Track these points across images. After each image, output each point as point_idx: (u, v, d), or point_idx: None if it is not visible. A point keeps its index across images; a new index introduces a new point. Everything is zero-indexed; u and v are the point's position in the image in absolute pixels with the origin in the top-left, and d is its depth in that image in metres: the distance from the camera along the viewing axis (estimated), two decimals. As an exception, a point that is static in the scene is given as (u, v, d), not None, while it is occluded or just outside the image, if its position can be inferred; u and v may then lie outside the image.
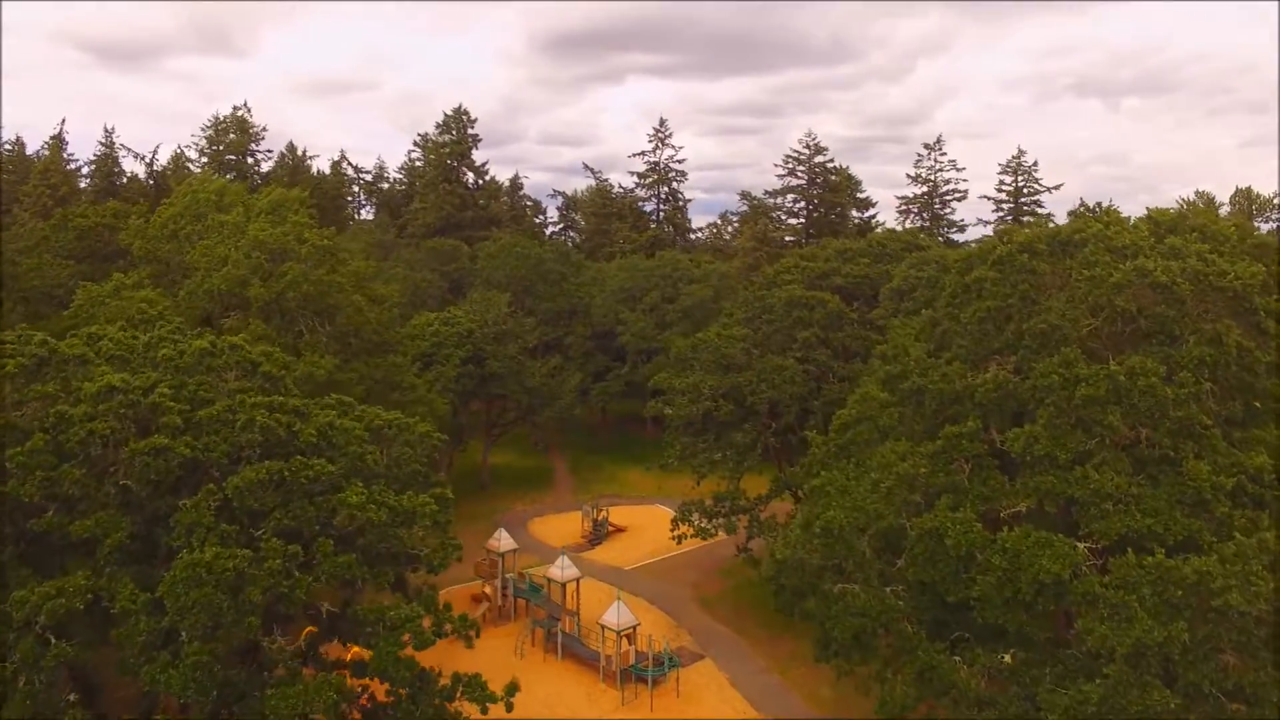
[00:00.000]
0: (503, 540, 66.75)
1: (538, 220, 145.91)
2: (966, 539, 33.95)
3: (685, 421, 65.38)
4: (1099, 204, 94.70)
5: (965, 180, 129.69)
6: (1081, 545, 33.27)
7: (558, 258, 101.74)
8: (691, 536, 64.62)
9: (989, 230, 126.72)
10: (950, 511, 34.73)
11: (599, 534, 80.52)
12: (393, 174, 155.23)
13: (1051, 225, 41.21)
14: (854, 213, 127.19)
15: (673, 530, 65.52)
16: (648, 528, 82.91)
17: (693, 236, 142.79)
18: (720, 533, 64.34)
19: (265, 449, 30.75)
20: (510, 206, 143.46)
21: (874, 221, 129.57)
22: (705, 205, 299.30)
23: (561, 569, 62.77)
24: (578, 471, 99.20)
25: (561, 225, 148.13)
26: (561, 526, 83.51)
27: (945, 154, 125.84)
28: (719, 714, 55.76)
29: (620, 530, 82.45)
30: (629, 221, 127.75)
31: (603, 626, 57.99)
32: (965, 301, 40.51)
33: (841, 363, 62.61)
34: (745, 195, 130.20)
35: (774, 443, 67.36)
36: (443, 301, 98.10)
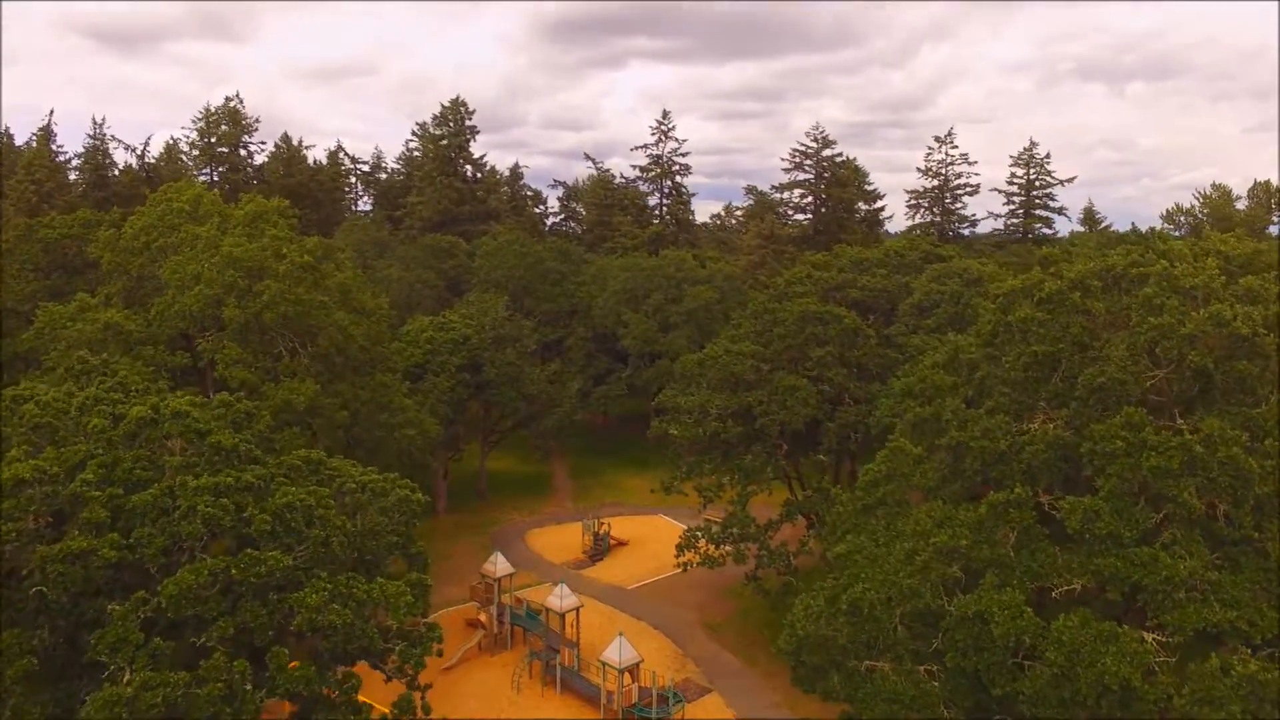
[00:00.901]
0: (498, 565, 62.03)
1: (538, 210, 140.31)
2: (1015, 626, 29.21)
3: (691, 442, 60.53)
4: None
5: (976, 174, 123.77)
6: (1150, 637, 28.48)
7: (557, 256, 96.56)
8: (698, 565, 59.90)
9: (999, 224, 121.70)
10: (996, 592, 29.98)
11: (600, 549, 75.84)
12: (391, 164, 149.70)
13: (1103, 256, 36.12)
14: (861, 205, 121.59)
15: (678, 557, 60.79)
16: (650, 541, 78.20)
17: (696, 223, 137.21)
18: (729, 561, 59.60)
19: (212, 538, 25.93)
20: (510, 197, 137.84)
21: (882, 214, 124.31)
22: (709, 190, 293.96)
23: (560, 598, 58.16)
24: (578, 477, 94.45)
25: (562, 216, 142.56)
26: (561, 539, 78.80)
27: (956, 146, 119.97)
28: (726, 757, 51.53)
29: (622, 544, 77.80)
30: (631, 215, 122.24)
31: (604, 664, 53.50)
32: (1007, 342, 35.53)
33: (859, 383, 57.65)
34: (751, 190, 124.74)
35: (785, 465, 62.55)
36: (439, 302, 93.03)
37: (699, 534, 60.04)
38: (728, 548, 60.30)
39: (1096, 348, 33.19)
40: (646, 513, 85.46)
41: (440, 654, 32.27)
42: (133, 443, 28.22)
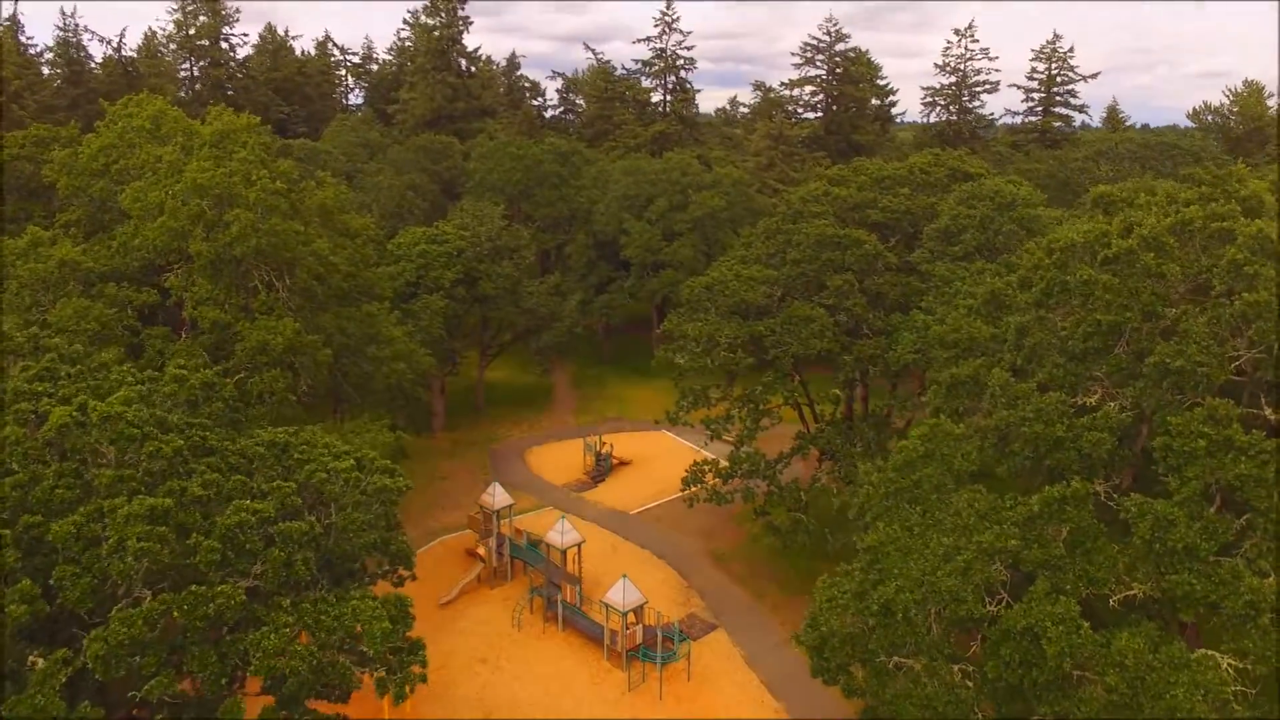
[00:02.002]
0: (496, 496, 58.36)
1: (535, 103, 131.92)
2: (1070, 643, 25.31)
3: (698, 371, 55.92)
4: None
5: (997, 70, 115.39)
6: (1226, 662, 24.57)
7: (556, 158, 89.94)
8: (705, 501, 56.25)
9: (1018, 119, 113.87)
10: (1048, 601, 25.97)
11: (602, 470, 72.21)
12: (382, 55, 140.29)
13: (1176, 210, 30.65)
14: (874, 100, 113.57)
15: (684, 490, 57.07)
16: (653, 460, 74.53)
17: (701, 119, 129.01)
18: (737, 499, 55.94)
19: (150, 575, 21.56)
20: (507, 89, 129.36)
21: (894, 110, 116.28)
22: (713, 77, 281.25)
23: (561, 534, 54.73)
24: (579, 387, 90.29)
25: (561, 109, 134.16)
26: (562, 459, 75.12)
27: (976, 40, 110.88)
28: (733, 701, 48.69)
29: (625, 464, 74.15)
30: (633, 111, 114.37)
31: (607, 606, 50.39)
32: (1062, 303, 30.59)
33: (878, 313, 52.71)
34: (759, 86, 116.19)
35: (798, 397, 58.23)
36: (433, 209, 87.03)
37: (706, 468, 56.24)
38: (737, 482, 56.64)
39: (1170, 318, 28.30)
40: (649, 429, 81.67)
41: (424, 679, 28.35)
42: (55, 452, 23.64)
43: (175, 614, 20.69)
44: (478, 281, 74.90)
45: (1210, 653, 24.60)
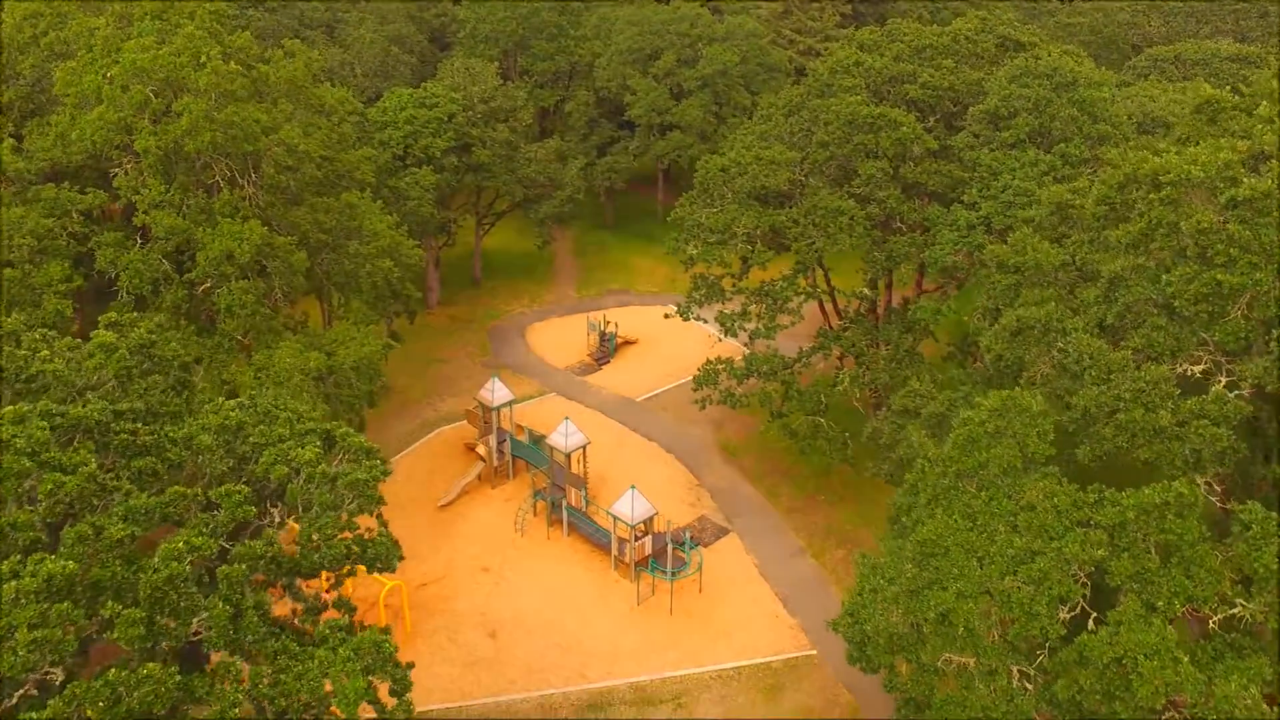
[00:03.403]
0: (495, 392, 53.67)
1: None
2: (1166, 678, 20.99)
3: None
4: None
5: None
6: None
7: (554, 6, 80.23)
8: (718, 403, 51.45)
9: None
10: (1140, 626, 21.47)
11: (606, 351, 67.27)
12: None
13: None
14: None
15: (695, 390, 52.22)
16: (660, 338, 69.20)
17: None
18: (754, 400, 51.11)
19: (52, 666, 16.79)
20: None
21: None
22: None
23: (565, 436, 50.39)
24: (581, 256, 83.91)
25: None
26: (564, 338, 69.94)
27: None
28: (746, 617, 45.71)
29: (630, 343, 69.11)
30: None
31: (615, 518, 46.67)
32: (1161, 247, 24.61)
33: (915, 204, 46.21)
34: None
35: (822, 292, 52.43)
36: (422, 64, 78.12)
37: (720, 368, 51.14)
38: (753, 381, 51.72)
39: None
40: (656, 302, 76.00)
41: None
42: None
43: (88, 711, 16.08)
44: (471, 148, 67.57)
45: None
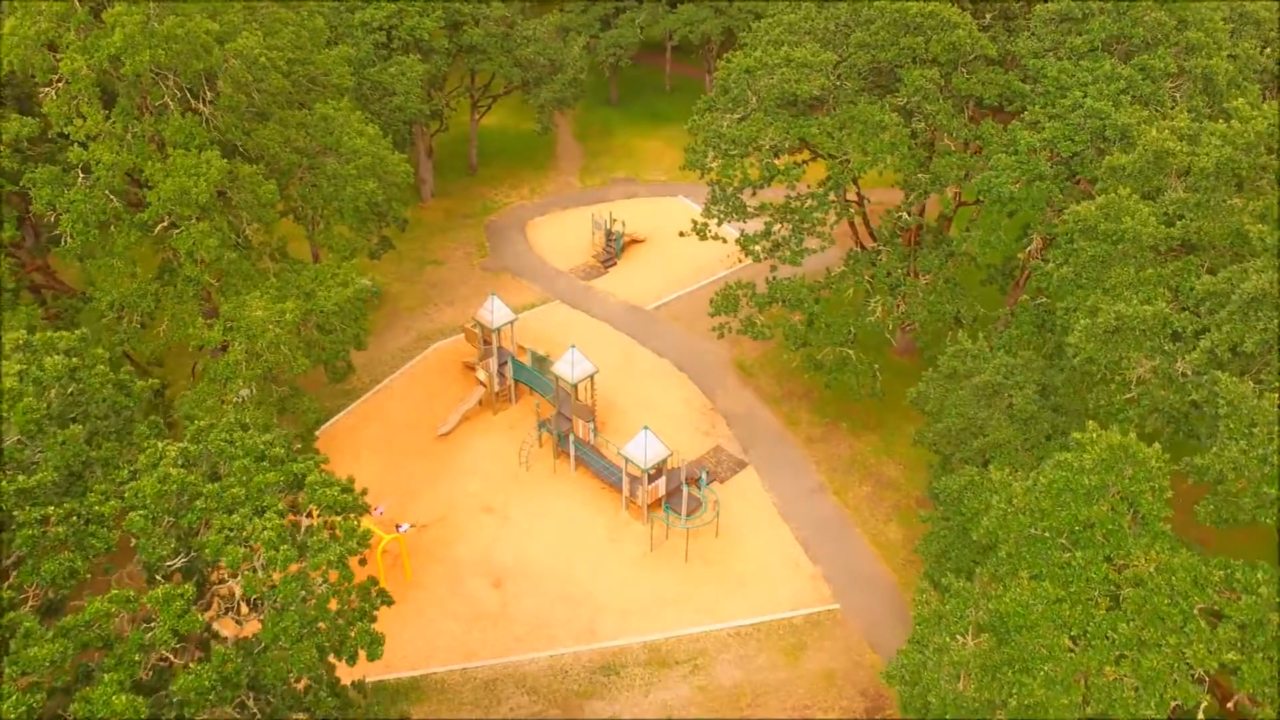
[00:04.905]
0: (495, 312, 48.55)
1: None
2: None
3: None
4: None
5: None
6: None
7: None
8: (739, 332, 46.32)
9: None
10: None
11: (612, 252, 61.62)
12: None
13: None
14: None
15: (712, 314, 47.03)
16: (670, 236, 63.18)
17: None
18: (777, 332, 46.01)
19: None
20: None
21: None
22: None
23: (572, 365, 45.69)
24: (584, 140, 76.66)
25: None
26: (567, 236, 64.07)
27: None
28: (765, 565, 42.26)
29: (638, 241, 63.36)
30: None
31: (627, 460, 42.63)
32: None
33: (965, 121, 39.65)
34: None
35: (854, 213, 46.29)
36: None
37: (740, 292, 45.77)
38: (776, 310, 46.50)
39: None
40: (664, 193, 69.68)
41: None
42: None
43: None
44: (462, 27, 59.65)
45: None
